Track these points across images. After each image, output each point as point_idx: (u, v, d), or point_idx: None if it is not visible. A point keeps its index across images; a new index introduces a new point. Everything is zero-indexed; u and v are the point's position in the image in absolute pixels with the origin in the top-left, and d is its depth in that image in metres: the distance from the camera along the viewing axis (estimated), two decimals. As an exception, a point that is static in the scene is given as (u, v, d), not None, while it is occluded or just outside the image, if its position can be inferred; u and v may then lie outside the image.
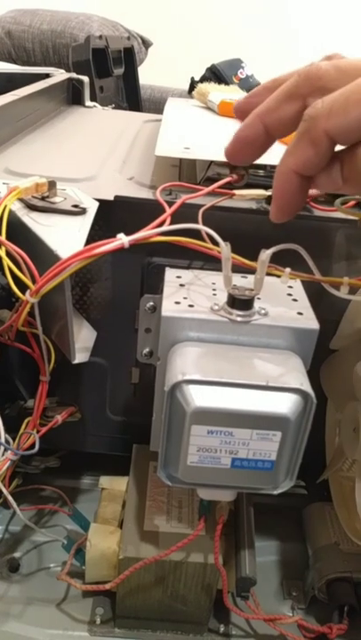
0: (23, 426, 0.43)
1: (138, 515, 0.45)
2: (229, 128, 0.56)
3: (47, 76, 0.79)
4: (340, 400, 0.44)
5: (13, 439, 0.42)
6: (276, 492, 0.34)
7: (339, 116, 0.25)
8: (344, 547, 0.48)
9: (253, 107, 0.30)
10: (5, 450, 0.39)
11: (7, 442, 0.39)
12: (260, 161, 0.40)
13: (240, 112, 0.31)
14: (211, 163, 0.47)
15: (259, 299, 0.34)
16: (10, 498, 0.40)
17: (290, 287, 0.37)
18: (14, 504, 0.41)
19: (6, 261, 0.34)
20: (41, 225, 0.36)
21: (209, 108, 0.66)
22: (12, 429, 0.42)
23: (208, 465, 0.32)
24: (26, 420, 0.43)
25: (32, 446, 0.41)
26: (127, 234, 0.35)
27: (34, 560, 0.51)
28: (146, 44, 1.74)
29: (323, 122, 0.25)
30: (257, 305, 0.34)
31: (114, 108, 0.94)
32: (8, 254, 0.35)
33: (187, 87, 1.47)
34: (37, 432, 0.42)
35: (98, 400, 0.52)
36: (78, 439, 0.54)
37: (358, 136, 0.25)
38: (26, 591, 0.48)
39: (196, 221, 0.37)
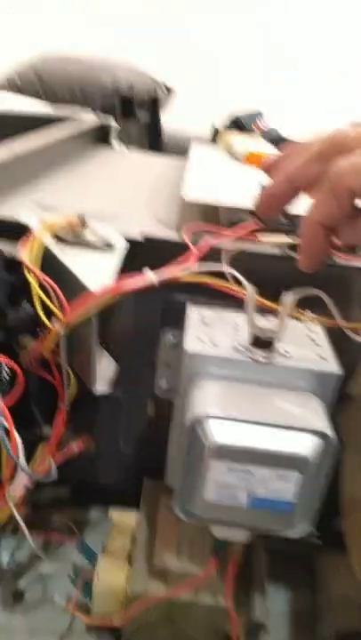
0: (39, 453, 0.43)
1: (147, 550, 0.45)
2: (254, 176, 0.58)
3: (77, 119, 0.83)
4: (358, 447, 0.44)
5: (28, 466, 0.42)
6: (293, 536, 0.34)
7: None
8: (358, 599, 0.47)
9: (282, 167, 0.34)
10: (23, 476, 0.39)
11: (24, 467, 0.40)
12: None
13: (268, 170, 0.36)
14: (235, 208, 0.49)
15: (281, 340, 0.35)
16: (22, 524, 0.41)
17: (312, 331, 0.38)
18: (26, 531, 0.41)
19: (37, 290, 0.36)
20: (72, 259, 0.38)
21: (233, 156, 0.69)
22: (26, 456, 0.42)
23: (225, 502, 0.32)
24: (40, 447, 0.44)
25: (49, 473, 0.41)
26: (153, 270, 0.36)
27: (39, 591, 0.50)
28: (169, 90, 1.81)
29: (346, 179, 0.28)
30: (280, 346, 0.34)
31: (137, 150, 0.98)
32: (39, 284, 0.36)
33: (207, 130, 1.53)
34: (54, 460, 0.42)
35: (112, 432, 0.52)
36: (90, 470, 0.54)
37: None
38: (29, 622, 0.47)
39: (219, 263, 0.39)
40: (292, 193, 0.33)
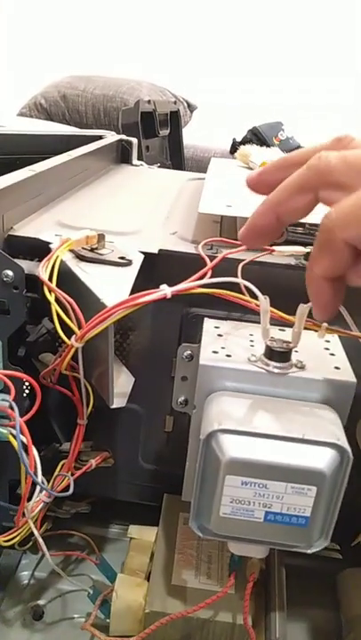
0: (58, 468, 0.44)
1: (166, 568, 0.44)
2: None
3: (100, 137, 0.84)
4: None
5: (47, 481, 0.43)
6: (309, 551, 0.33)
7: (355, 227, 0.26)
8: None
9: (264, 183, 0.31)
10: (41, 491, 0.39)
11: (43, 483, 0.40)
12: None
13: (251, 186, 0.33)
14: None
15: (296, 352, 0.35)
16: (41, 541, 0.41)
17: (327, 342, 0.37)
18: (44, 548, 0.41)
19: (55, 307, 0.36)
20: (89, 275, 0.38)
21: (251, 169, 0.69)
22: (46, 471, 0.43)
23: (241, 517, 0.32)
24: (61, 463, 0.44)
25: (66, 488, 0.41)
26: (169, 285, 0.36)
27: (58, 609, 0.50)
28: (191, 107, 1.84)
29: (340, 233, 0.26)
30: (294, 358, 0.34)
31: (159, 167, 0.99)
32: (57, 301, 0.37)
33: (227, 147, 1.54)
34: (72, 475, 0.43)
35: (131, 447, 0.52)
36: (109, 486, 0.54)
37: None
38: (48, 640, 0.47)
39: (235, 276, 0.39)
40: (278, 226, 0.31)
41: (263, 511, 0.31)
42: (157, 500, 0.51)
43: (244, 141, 1.33)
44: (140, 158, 0.92)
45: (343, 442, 0.30)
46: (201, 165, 1.51)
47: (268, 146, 1.25)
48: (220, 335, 0.38)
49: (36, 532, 0.40)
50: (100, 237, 0.42)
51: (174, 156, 1.47)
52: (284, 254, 0.44)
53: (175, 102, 1.66)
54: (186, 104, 1.81)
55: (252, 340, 0.37)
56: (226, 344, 0.37)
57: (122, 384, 0.44)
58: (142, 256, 0.42)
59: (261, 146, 1.12)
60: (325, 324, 0.35)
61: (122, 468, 0.53)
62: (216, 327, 0.39)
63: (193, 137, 1.68)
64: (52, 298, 0.37)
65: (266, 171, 0.32)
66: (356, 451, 0.44)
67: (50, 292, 0.37)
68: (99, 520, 0.57)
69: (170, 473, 0.48)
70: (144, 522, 0.51)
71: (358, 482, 0.47)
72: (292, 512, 0.31)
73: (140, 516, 0.52)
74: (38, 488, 0.39)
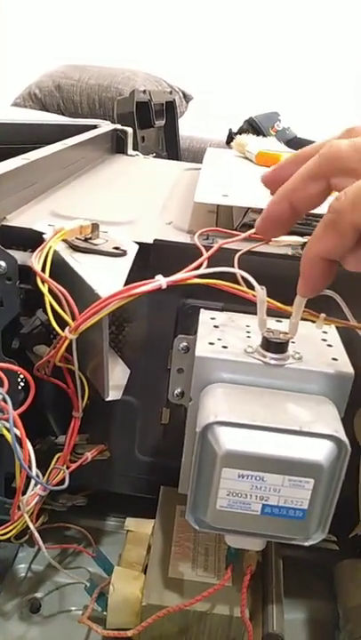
0: (53, 461, 0.43)
1: (163, 560, 0.44)
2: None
3: (95, 127, 0.83)
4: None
5: (43, 474, 0.42)
6: (307, 544, 0.33)
7: None
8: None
9: (280, 178, 0.32)
10: (35, 484, 0.39)
11: (37, 476, 0.39)
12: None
13: (268, 184, 0.33)
14: (247, 209, 0.48)
15: (293, 343, 0.34)
16: (36, 534, 0.40)
17: (324, 333, 0.37)
18: (40, 542, 0.41)
19: (48, 298, 0.36)
20: (83, 265, 0.38)
21: (247, 158, 0.68)
22: (41, 465, 0.42)
23: (238, 510, 0.32)
24: (56, 456, 0.44)
25: (62, 482, 0.41)
26: (165, 276, 0.36)
27: (55, 602, 0.50)
28: (187, 97, 1.82)
29: (348, 215, 0.27)
30: (291, 349, 0.34)
31: (154, 157, 0.98)
32: (50, 292, 0.36)
33: (224, 138, 1.53)
34: (67, 468, 0.42)
35: (127, 440, 0.52)
36: (106, 478, 0.53)
37: None
38: (45, 633, 0.47)
39: (231, 266, 0.38)
40: (291, 213, 0.31)
41: (260, 504, 0.31)
42: (154, 492, 0.51)
43: (241, 132, 1.32)
44: (135, 149, 0.91)
45: (341, 434, 0.30)
46: (197, 156, 1.50)
47: (265, 136, 1.24)
48: (216, 326, 0.38)
49: (31, 526, 0.40)
50: (94, 227, 0.42)
51: (170, 147, 1.45)
52: (281, 244, 0.44)
53: (171, 92, 1.64)
54: (182, 94, 1.80)
55: (248, 332, 0.37)
56: (222, 335, 0.36)
57: (117, 376, 0.44)
58: (137, 246, 0.41)
59: (258, 136, 1.11)
60: (323, 315, 0.35)
61: (118, 460, 0.52)
62: (212, 318, 0.39)
63: (189, 127, 1.66)
64: (45, 289, 0.36)
65: (281, 166, 0.33)
66: (353, 443, 0.43)
67: (43, 282, 0.36)
68: (95, 513, 0.57)
69: (166, 465, 0.48)
70: (141, 514, 0.51)
71: (355, 473, 0.47)
72: (290, 505, 0.31)
73: (137, 509, 0.52)
74: (32, 482, 0.39)
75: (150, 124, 1.30)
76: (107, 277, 0.37)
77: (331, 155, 0.28)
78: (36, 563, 0.52)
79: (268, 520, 0.31)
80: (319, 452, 0.29)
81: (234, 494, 0.31)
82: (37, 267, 0.36)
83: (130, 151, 0.88)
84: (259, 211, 0.47)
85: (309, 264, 0.30)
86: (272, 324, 0.36)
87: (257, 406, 0.31)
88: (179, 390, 0.42)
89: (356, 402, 0.41)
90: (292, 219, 0.31)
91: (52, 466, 0.43)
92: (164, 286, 0.34)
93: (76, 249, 0.40)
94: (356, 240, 0.28)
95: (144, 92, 1.32)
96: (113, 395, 0.41)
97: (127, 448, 0.52)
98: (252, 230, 0.44)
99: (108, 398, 0.40)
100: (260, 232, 0.33)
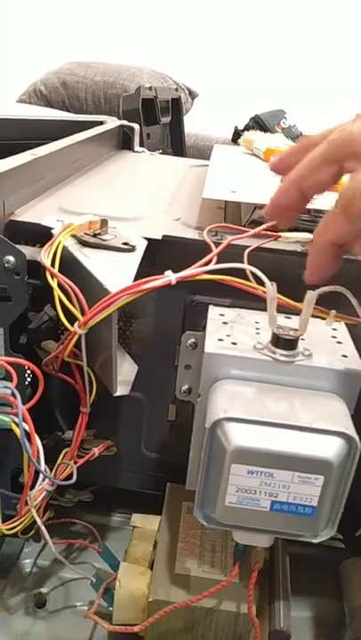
0: (61, 456, 0.43)
1: (169, 556, 0.44)
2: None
3: (101, 123, 0.83)
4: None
5: (50, 470, 0.42)
6: (315, 541, 0.33)
7: None
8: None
9: (288, 165, 0.32)
10: (43, 479, 0.39)
11: (45, 471, 0.40)
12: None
13: (277, 170, 0.34)
14: (256, 206, 0.48)
15: (303, 340, 0.34)
16: (43, 529, 0.40)
17: (334, 330, 0.37)
18: (47, 536, 0.41)
19: (58, 292, 0.36)
20: (92, 260, 0.38)
21: (254, 155, 0.68)
22: (48, 460, 0.42)
23: (246, 506, 0.31)
24: (63, 451, 0.44)
25: (69, 477, 0.41)
26: (173, 272, 0.36)
27: (61, 597, 0.50)
28: (192, 94, 1.82)
29: (358, 201, 0.27)
30: (301, 346, 0.34)
31: (160, 154, 0.98)
32: (59, 287, 0.36)
33: (229, 135, 1.52)
34: (75, 463, 0.42)
35: (133, 436, 0.52)
36: (112, 474, 0.53)
37: None
38: (51, 629, 0.47)
39: (240, 262, 0.38)
40: (302, 201, 0.32)
41: (269, 500, 0.31)
42: (160, 488, 0.51)
43: (247, 129, 1.32)
44: (140, 145, 0.91)
45: (351, 430, 0.30)
46: (202, 153, 1.50)
47: (271, 133, 1.23)
48: (225, 323, 0.38)
49: (38, 521, 0.40)
50: (103, 223, 0.42)
51: (175, 144, 1.45)
52: (291, 241, 0.43)
53: (176, 89, 1.64)
54: (187, 91, 1.79)
55: (257, 328, 0.37)
56: (231, 332, 0.36)
57: (125, 372, 0.44)
58: (146, 242, 0.41)
59: (264, 133, 1.10)
60: (334, 312, 0.35)
61: (124, 456, 0.52)
62: (221, 315, 0.39)
63: (194, 124, 1.66)
64: (54, 283, 0.36)
65: (290, 153, 0.33)
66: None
67: (52, 277, 0.36)
68: (101, 508, 0.57)
69: (173, 462, 0.48)
70: (147, 511, 0.51)
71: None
72: (299, 501, 0.31)
73: (143, 505, 0.52)
74: (41, 476, 0.39)
75: (156, 120, 1.29)
76: (116, 272, 0.37)
77: (343, 139, 0.29)
78: (42, 558, 0.52)
79: (277, 516, 0.31)
80: (329, 448, 0.29)
81: (243, 490, 0.31)
82: (47, 261, 0.36)
83: (136, 147, 0.88)
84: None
85: (319, 250, 0.30)
86: (281, 320, 0.36)
87: (267, 403, 0.31)
88: (186, 387, 0.42)
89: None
90: (302, 205, 0.32)
91: (59, 461, 0.43)
92: (174, 282, 0.34)
93: (85, 244, 0.40)
94: None
95: (150, 88, 1.32)
96: (121, 390, 0.41)
97: (133, 444, 0.52)
98: (262, 227, 0.44)
99: (117, 394, 0.40)
100: (269, 216, 0.34)
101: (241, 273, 0.37)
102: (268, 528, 0.32)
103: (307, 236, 0.43)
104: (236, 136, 1.32)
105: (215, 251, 0.39)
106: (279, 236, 0.43)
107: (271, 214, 0.33)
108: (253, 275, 0.35)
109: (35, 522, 0.42)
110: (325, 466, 0.29)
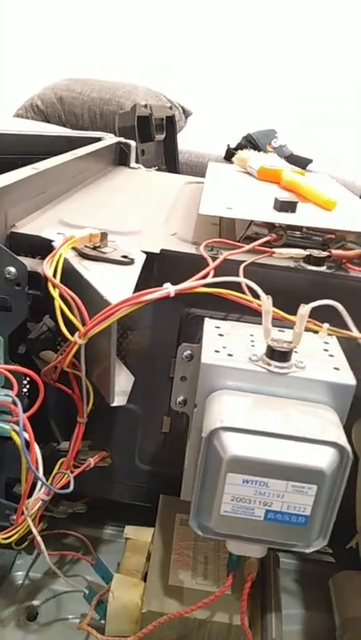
0: (57, 466, 0.43)
1: (162, 568, 0.44)
2: (268, 191, 0.59)
3: (99, 139, 0.85)
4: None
5: (46, 479, 0.42)
6: (308, 551, 0.33)
7: None
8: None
9: None
10: (40, 488, 0.39)
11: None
12: (296, 223, 0.42)
13: None
14: (250, 222, 0.49)
15: (296, 352, 0.35)
16: (39, 539, 0.40)
17: (326, 343, 0.38)
18: (42, 546, 0.41)
19: (59, 302, 0.36)
20: (92, 272, 0.39)
21: (248, 173, 0.70)
22: (44, 470, 0.43)
23: (241, 515, 0.32)
24: (60, 461, 0.44)
25: (66, 485, 0.41)
26: (171, 285, 0.37)
27: (52, 609, 0.49)
28: (186, 113, 1.85)
29: None
30: (295, 358, 0.34)
31: (155, 170, 1.00)
32: (61, 297, 0.37)
33: (222, 153, 1.55)
34: (71, 472, 0.43)
35: (128, 447, 0.52)
36: (106, 486, 0.54)
37: None
38: (43, 641, 0.47)
39: (236, 277, 0.39)
40: None
41: (264, 509, 0.32)
42: (153, 501, 0.51)
43: (239, 147, 1.34)
44: (136, 161, 0.93)
45: (343, 441, 0.31)
46: (195, 171, 1.52)
47: (265, 152, 1.25)
48: (220, 335, 0.38)
49: (34, 530, 0.40)
50: (103, 236, 0.43)
51: (169, 161, 1.47)
52: (284, 256, 0.45)
53: (171, 107, 1.67)
54: (181, 109, 1.82)
55: (252, 340, 0.38)
56: (227, 343, 0.37)
57: (122, 383, 0.44)
58: (144, 255, 0.42)
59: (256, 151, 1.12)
60: (327, 325, 0.36)
61: (118, 468, 0.52)
62: (217, 327, 0.40)
63: (188, 142, 1.68)
64: (55, 294, 0.37)
65: None
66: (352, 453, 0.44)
67: (54, 287, 0.37)
68: (95, 520, 0.57)
69: (166, 474, 0.49)
70: (140, 522, 0.51)
71: (351, 484, 0.47)
72: (293, 511, 0.31)
73: (136, 517, 0.52)
74: (38, 486, 0.39)
75: (151, 137, 1.31)
76: (116, 284, 0.37)
77: None
78: (34, 570, 0.52)
79: (271, 526, 0.32)
80: (322, 458, 0.30)
81: (238, 499, 0.32)
82: (49, 272, 0.37)
83: (133, 163, 0.90)
84: (261, 224, 0.49)
85: None
86: (276, 333, 0.37)
87: (261, 413, 0.32)
88: (181, 398, 0.43)
89: (355, 413, 0.42)
90: None
91: (55, 471, 0.43)
92: (173, 294, 0.35)
93: (85, 257, 0.40)
94: None
95: (145, 106, 1.34)
96: (118, 400, 0.41)
97: (128, 456, 0.53)
98: (256, 242, 0.45)
99: (114, 404, 0.41)
100: None
101: (237, 287, 0.38)
102: (262, 537, 0.33)
103: (299, 251, 0.44)
104: (229, 154, 1.34)
105: (212, 265, 0.41)
106: (273, 252, 0.44)
107: None
108: (249, 288, 0.36)
109: (28, 533, 0.42)
110: (318, 475, 0.30)
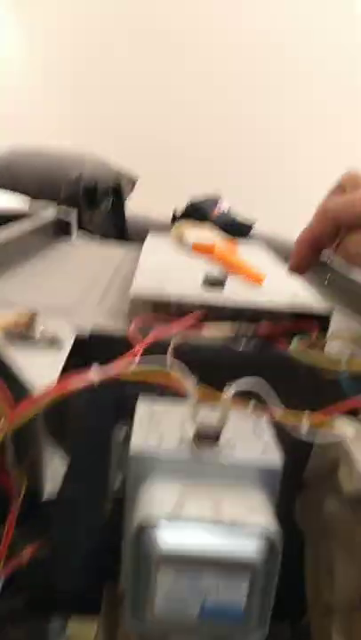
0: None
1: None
2: (201, 266, 0.61)
3: (38, 213, 0.86)
4: (315, 537, 0.43)
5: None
6: (250, 644, 0.32)
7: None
8: None
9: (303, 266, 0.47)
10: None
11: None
12: (222, 302, 0.43)
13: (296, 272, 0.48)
14: (181, 299, 0.50)
15: (225, 433, 0.35)
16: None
17: (256, 422, 0.38)
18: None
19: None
20: (17, 357, 0.38)
21: (185, 245, 0.72)
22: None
23: (176, 613, 0.31)
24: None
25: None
26: (102, 364, 0.36)
27: None
28: (132, 179, 1.91)
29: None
30: (223, 440, 0.34)
31: (101, 237, 1.01)
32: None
33: (169, 216, 1.59)
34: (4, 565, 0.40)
35: (67, 535, 0.50)
36: (46, 577, 0.51)
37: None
38: None
39: (164, 356, 0.39)
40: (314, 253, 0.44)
41: (198, 605, 0.30)
42: (97, 591, 0.48)
43: (184, 213, 1.38)
44: (82, 228, 0.94)
45: (273, 528, 0.30)
46: (143, 236, 1.55)
47: (207, 218, 1.30)
48: (152, 417, 0.38)
49: None
50: (32, 317, 0.42)
51: (117, 227, 1.50)
52: (214, 332, 0.45)
53: (118, 175, 1.72)
54: (127, 176, 1.88)
55: (184, 421, 0.37)
56: (157, 427, 0.37)
57: (55, 470, 0.43)
58: (73, 337, 0.42)
59: (201, 219, 1.17)
60: (253, 403, 0.36)
61: (58, 557, 0.50)
62: (149, 409, 0.39)
63: (135, 206, 1.73)
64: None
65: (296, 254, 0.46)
66: (295, 529, 0.43)
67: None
68: (36, 614, 0.53)
69: (109, 561, 0.46)
70: (85, 613, 0.48)
71: (300, 560, 0.46)
72: (227, 605, 0.30)
73: (81, 607, 0.49)
74: None
75: (97, 205, 1.34)
76: (41, 370, 0.37)
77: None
78: None
79: (207, 622, 0.31)
80: (252, 549, 0.29)
81: (171, 596, 0.30)
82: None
83: (74, 235, 0.91)
84: (192, 301, 0.50)
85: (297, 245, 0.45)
86: (206, 413, 0.37)
87: (190, 502, 0.31)
88: (120, 483, 0.42)
89: (297, 487, 0.42)
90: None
91: (-16, 570, 0.40)
92: (97, 382, 0.35)
93: (13, 339, 0.40)
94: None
95: (92, 175, 1.38)
96: (51, 489, 0.40)
97: (67, 544, 0.50)
98: (187, 319, 0.46)
99: (46, 493, 0.39)
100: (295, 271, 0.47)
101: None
102: (200, 635, 0.31)
103: (227, 329, 0.45)
104: (175, 220, 1.38)
105: (140, 344, 0.41)
106: (204, 329, 0.45)
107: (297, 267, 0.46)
108: (177, 369, 0.36)
109: None
110: (249, 566, 0.29)
